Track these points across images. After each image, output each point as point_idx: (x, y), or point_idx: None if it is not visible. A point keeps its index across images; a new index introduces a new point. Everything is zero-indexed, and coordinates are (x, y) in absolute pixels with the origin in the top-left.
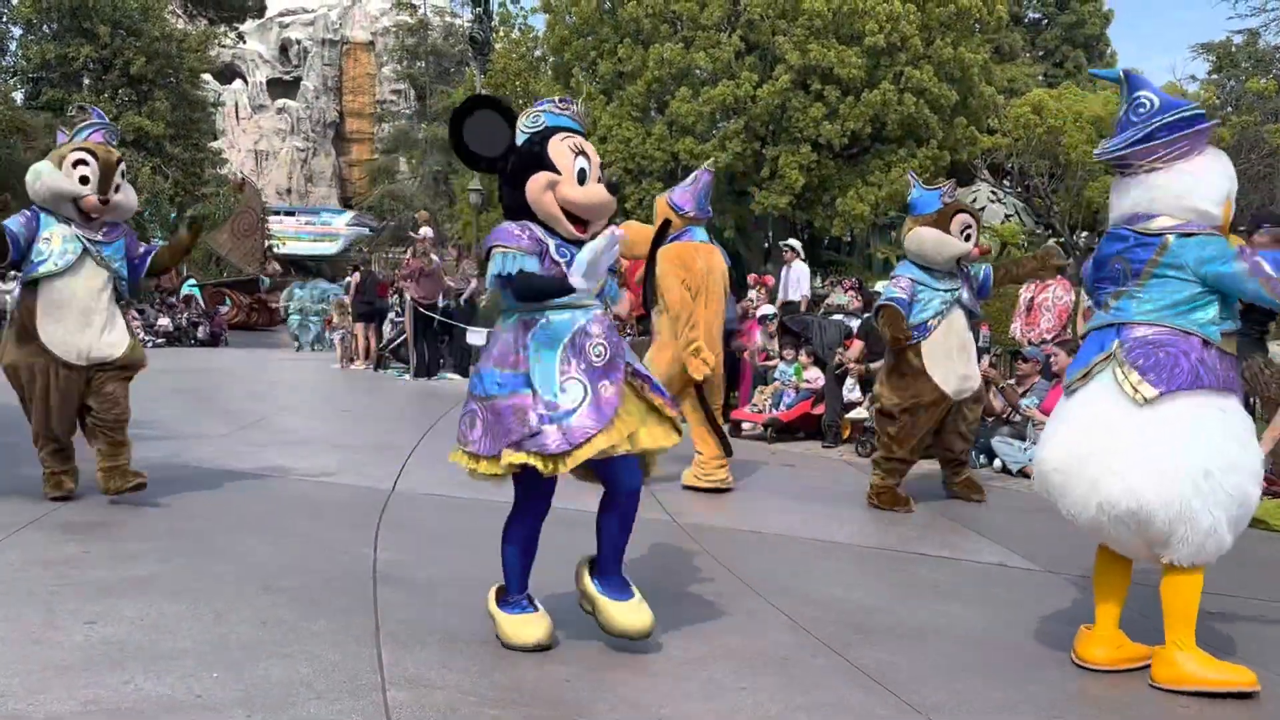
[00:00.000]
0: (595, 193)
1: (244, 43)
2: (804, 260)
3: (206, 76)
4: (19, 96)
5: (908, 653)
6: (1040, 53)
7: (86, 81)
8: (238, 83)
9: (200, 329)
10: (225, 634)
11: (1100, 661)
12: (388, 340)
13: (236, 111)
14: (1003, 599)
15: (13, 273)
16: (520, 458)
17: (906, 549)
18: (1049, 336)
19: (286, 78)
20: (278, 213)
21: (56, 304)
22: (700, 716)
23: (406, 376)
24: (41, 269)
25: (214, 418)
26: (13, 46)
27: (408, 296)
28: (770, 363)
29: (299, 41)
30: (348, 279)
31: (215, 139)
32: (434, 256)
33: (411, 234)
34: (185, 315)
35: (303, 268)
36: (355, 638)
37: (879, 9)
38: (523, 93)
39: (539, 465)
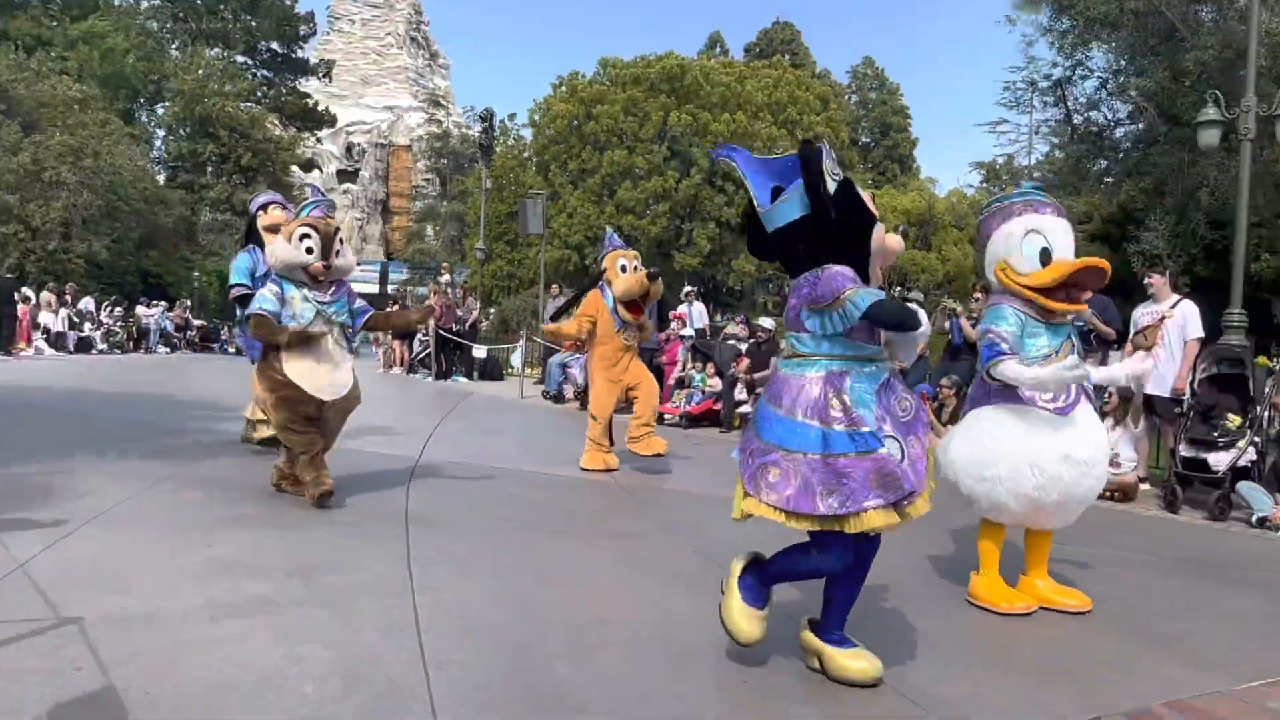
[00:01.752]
0: (897, 242)
1: (320, 144)
2: (700, 302)
3: (294, 167)
4: (161, 178)
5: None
6: (869, 165)
7: (209, 169)
8: (315, 172)
9: None
10: (303, 555)
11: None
12: (416, 353)
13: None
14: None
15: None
16: (890, 518)
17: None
18: None
19: (349, 169)
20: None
21: (298, 352)
22: (632, 614)
23: (429, 379)
24: (291, 325)
25: None
26: (158, 143)
27: (430, 322)
28: (685, 373)
29: (359, 144)
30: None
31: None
32: (449, 294)
33: (435, 279)
34: None
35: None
36: (394, 558)
37: (763, 132)
38: (515, 182)
39: (894, 518)
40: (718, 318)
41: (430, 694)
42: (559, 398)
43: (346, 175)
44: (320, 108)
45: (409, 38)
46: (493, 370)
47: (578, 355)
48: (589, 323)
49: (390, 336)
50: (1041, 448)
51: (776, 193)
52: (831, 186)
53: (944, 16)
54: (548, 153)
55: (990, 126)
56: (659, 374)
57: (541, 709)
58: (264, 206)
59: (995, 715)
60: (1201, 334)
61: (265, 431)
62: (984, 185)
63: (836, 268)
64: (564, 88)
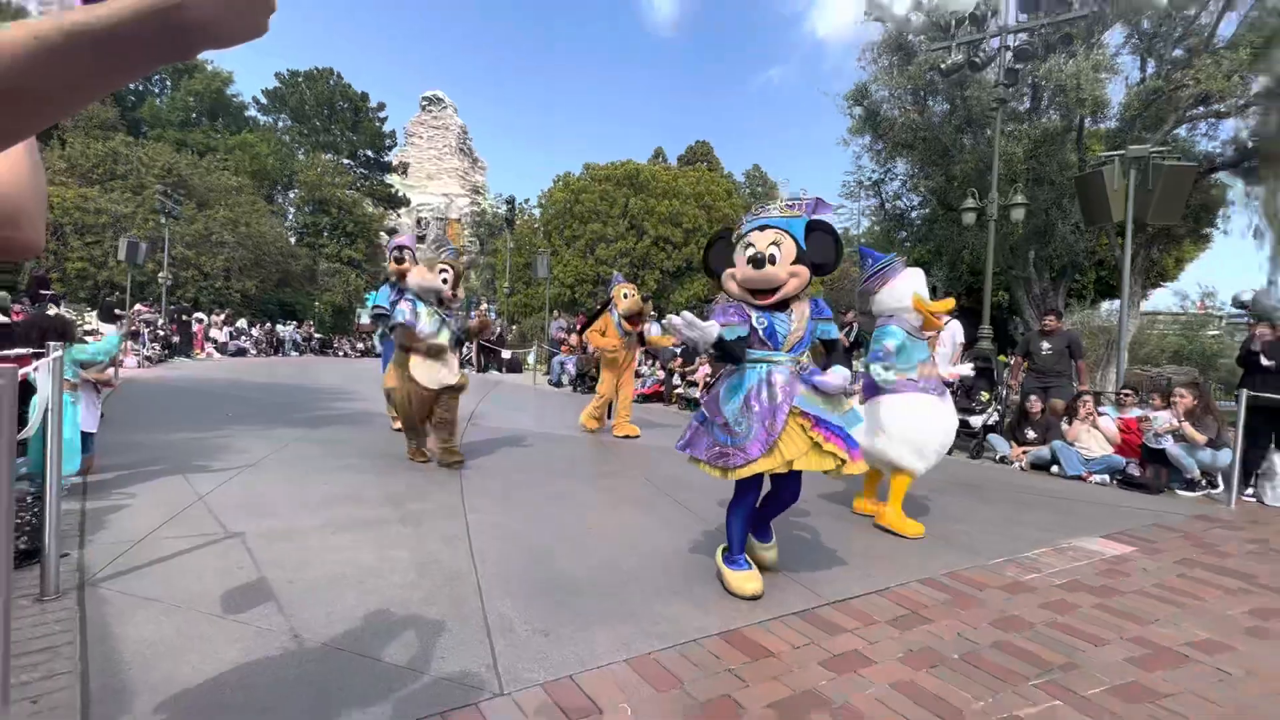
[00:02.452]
0: (749, 273)
1: (400, 217)
2: (656, 323)
3: (382, 233)
4: (292, 240)
5: (704, 495)
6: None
7: (325, 234)
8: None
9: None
10: (390, 490)
11: (862, 509)
12: (464, 354)
13: None
14: None
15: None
16: (704, 466)
17: None
18: None
19: (419, 235)
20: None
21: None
22: (609, 525)
23: (473, 372)
24: (424, 332)
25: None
26: (290, 216)
27: None
28: (639, 367)
29: (425, 218)
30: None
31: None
32: (488, 316)
33: (478, 307)
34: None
35: None
36: (452, 492)
37: (690, 213)
38: (529, 244)
39: (706, 469)
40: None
41: (478, 579)
42: (559, 384)
43: (418, 238)
44: (399, 194)
45: (458, 148)
46: (515, 366)
47: (572, 356)
48: (600, 334)
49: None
50: (934, 420)
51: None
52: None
53: (803, 140)
54: (550, 224)
55: (834, 210)
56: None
57: (551, 588)
58: (399, 248)
59: (837, 584)
60: (963, 340)
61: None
62: None
63: (724, 304)
64: (560, 182)
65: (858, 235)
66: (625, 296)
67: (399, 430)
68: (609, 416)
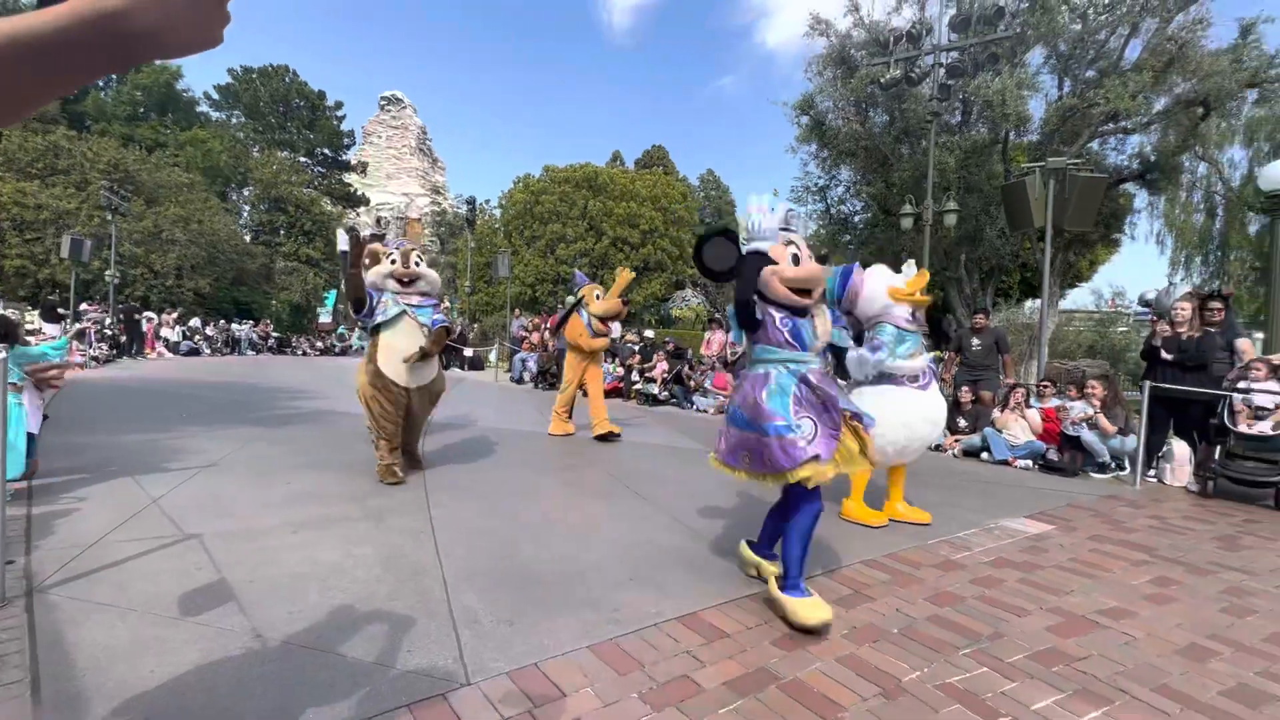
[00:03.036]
0: (803, 271)
1: (359, 216)
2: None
3: (340, 232)
4: (248, 238)
5: (663, 487)
6: None
7: (282, 232)
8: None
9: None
10: (354, 487)
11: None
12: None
13: None
14: (698, 463)
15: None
16: (800, 473)
17: (661, 441)
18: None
19: (379, 233)
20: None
21: (387, 348)
22: (569, 516)
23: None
24: (377, 318)
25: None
26: (245, 214)
27: None
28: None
29: (384, 217)
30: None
31: None
32: (449, 314)
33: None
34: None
35: None
36: (416, 487)
37: (647, 215)
38: (490, 244)
39: (807, 472)
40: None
41: (443, 573)
42: (520, 381)
43: (377, 238)
44: (358, 193)
45: (418, 148)
46: (477, 363)
47: (534, 354)
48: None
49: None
50: (912, 412)
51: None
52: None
53: (754, 146)
54: (511, 225)
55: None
56: None
57: (514, 578)
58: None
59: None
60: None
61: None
62: None
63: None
64: (520, 183)
65: (806, 238)
66: (598, 297)
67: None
68: (569, 416)
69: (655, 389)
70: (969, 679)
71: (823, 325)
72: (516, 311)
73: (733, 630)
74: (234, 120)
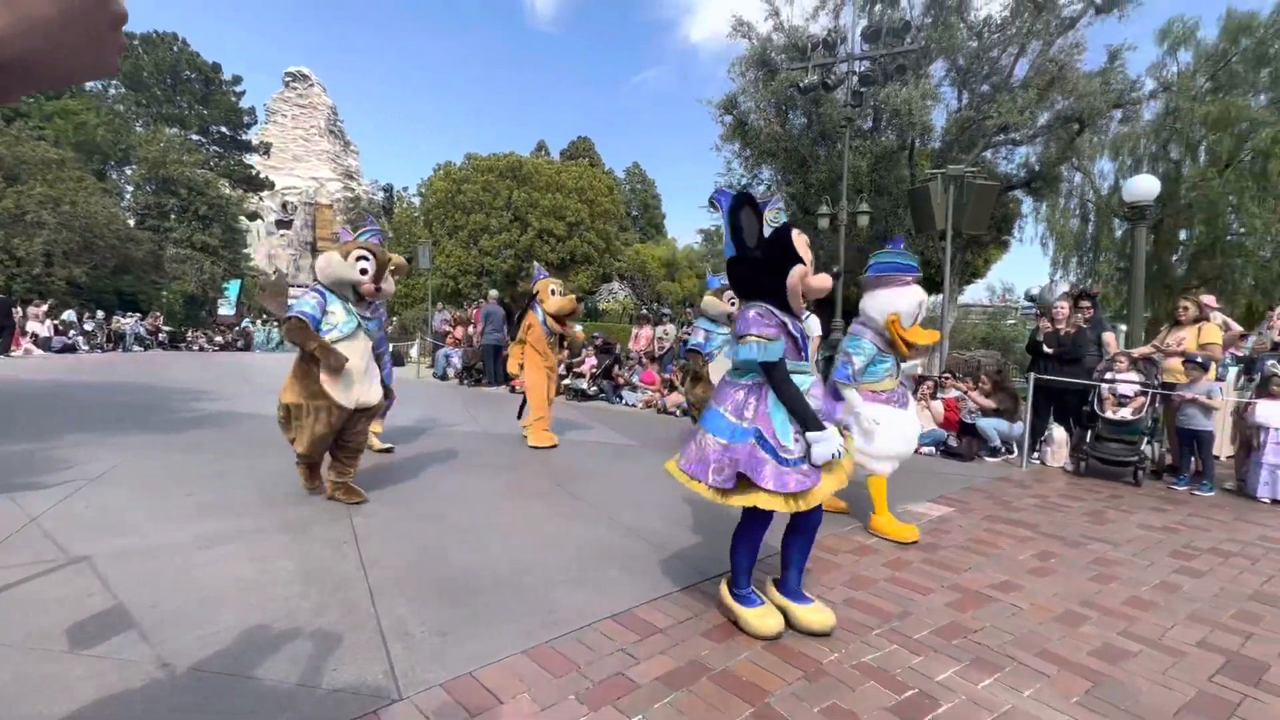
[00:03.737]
0: (826, 280)
1: (262, 201)
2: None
3: (242, 217)
4: (132, 222)
5: (596, 485)
6: (638, 228)
7: (173, 216)
8: (258, 221)
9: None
10: (268, 496)
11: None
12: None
13: (258, 235)
14: (630, 458)
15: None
16: (765, 498)
17: (592, 439)
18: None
19: (285, 219)
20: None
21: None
22: (507, 518)
23: None
24: (330, 335)
25: (229, 381)
26: (128, 196)
27: None
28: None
29: (292, 202)
30: None
31: (247, 248)
32: None
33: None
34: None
35: None
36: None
37: (573, 207)
38: (409, 233)
39: (770, 502)
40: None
41: (369, 585)
42: (444, 377)
43: (283, 224)
44: (261, 176)
45: (328, 130)
46: (397, 359)
47: (458, 349)
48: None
49: None
50: (903, 428)
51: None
52: (767, 232)
53: (679, 141)
54: (431, 214)
55: (708, 208)
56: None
57: (446, 586)
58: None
59: (717, 560)
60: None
61: (377, 444)
62: (705, 244)
63: (752, 311)
64: (441, 171)
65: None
66: (554, 293)
67: (382, 453)
68: (519, 417)
69: (584, 384)
70: (881, 657)
71: (812, 326)
72: (439, 305)
73: (665, 625)
74: (112, 91)
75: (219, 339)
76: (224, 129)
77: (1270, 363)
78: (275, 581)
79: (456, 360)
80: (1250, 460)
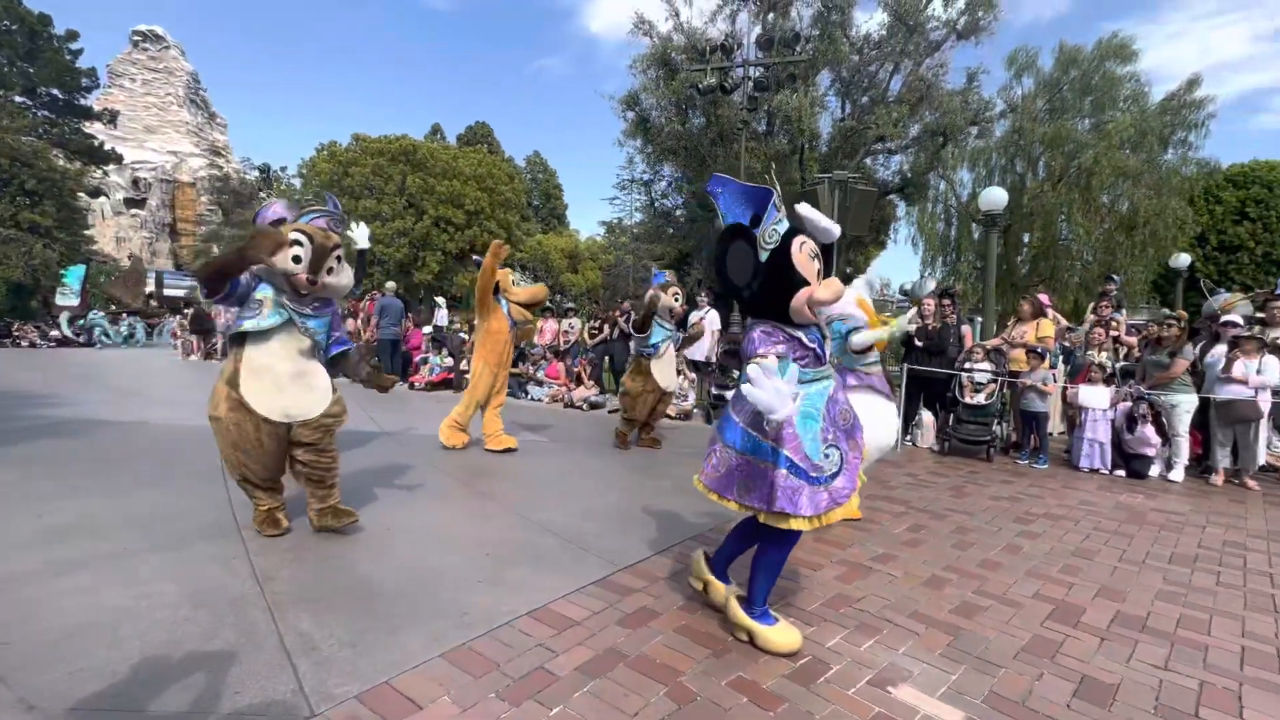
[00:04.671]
0: (834, 287)
1: (108, 176)
2: (443, 308)
3: (82, 195)
4: None
5: (501, 482)
6: (540, 218)
7: None
8: (102, 198)
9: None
10: (137, 513)
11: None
12: (213, 343)
13: (103, 215)
14: (538, 455)
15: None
16: (799, 523)
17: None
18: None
19: (137, 198)
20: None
21: (256, 367)
22: (410, 520)
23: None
24: (245, 324)
25: (72, 381)
26: None
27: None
28: (426, 354)
29: (145, 178)
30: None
31: (88, 229)
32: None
33: None
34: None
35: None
36: (219, 505)
37: (472, 195)
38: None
39: (806, 526)
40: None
41: (267, 601)
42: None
43: (135, 203)
44: (106, 147)
45: (188, 99)
46: None
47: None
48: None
49: (189, 331)
50: (885, 418)
51: (755, 221)
52: (767, 249)
53: (580, 130)
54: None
55: (610, 201)
56: (406, 358)
57: (352, 595)
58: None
59: (628, 551)
60: (720, 327)
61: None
62: (608, 236)
63: (758, 330)
64: (325, 151)
65: (629, 227)
66: (515, 283)
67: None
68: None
69: None
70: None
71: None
72: None
73: (581, 617)
74: None
75: (54, 333)
76: (56, 92)
77: (1089, 353)
78: (156, 606)
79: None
80: (1074, 436)
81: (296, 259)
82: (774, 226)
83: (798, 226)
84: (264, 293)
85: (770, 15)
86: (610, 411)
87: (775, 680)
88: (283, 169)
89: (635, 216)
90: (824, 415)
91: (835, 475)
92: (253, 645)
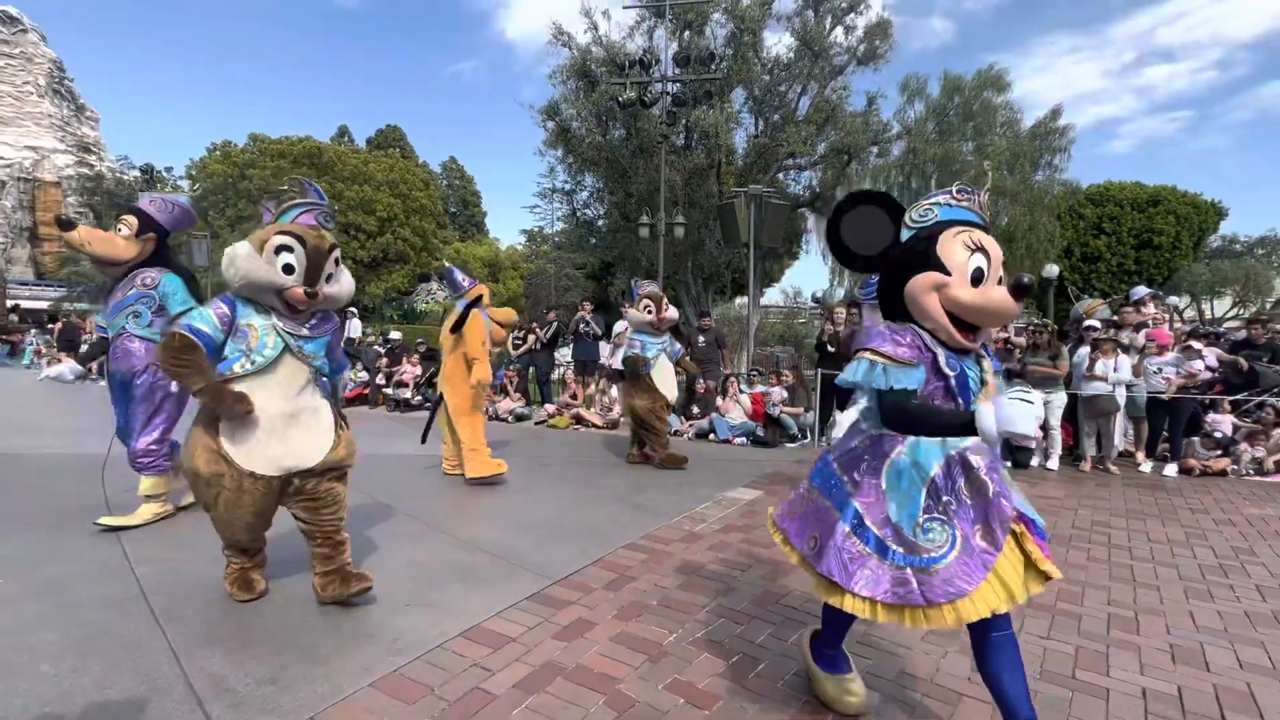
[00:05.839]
0: (993, 296)
1: None
2: (356, 320)
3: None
4: None
5: (430, 500)
6: (456, 226)
7: None
8: None
9: None
10: (9, 559)
11: None
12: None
13: None
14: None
15: None
16: (853, 605)
17: (420, 451)
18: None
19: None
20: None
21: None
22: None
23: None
24: (235, 367)
25: None
26: None
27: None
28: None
29: None
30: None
31: None
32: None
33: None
34: None
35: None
36: (107, 543)
37: (384, 200)
38: None
39: (863, 611)
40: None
41: (170, 643)
42: None
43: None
44: None
45: (51, 89)
46: None
47: None
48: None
49: (56, 348)
50: None
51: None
52: (913, 228)
53: (499, 137)
54: (208, 202)
55: (530, 209)
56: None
57: (269, 629)
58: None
59: (560, 563)
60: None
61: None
62: (529, 245)
63: (879, 325)
64: (218, 152)
65: (552, 234)
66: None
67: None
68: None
69: (407, 394)
70: (711, 630)
71: (989, 374)
72: None
73: (516, 634)
74: None
75: None
76: None
77: None
78: (38, 659)
79: None
80: None
81: (288, 268)
82: (932, 203)
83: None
84: (249, 317)
85: (686, 33)
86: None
87: (710, 679)
88: (168, 169)
89: (557, 225)
90: (931, 480)
91: (934, 560)
92: (156, 692)
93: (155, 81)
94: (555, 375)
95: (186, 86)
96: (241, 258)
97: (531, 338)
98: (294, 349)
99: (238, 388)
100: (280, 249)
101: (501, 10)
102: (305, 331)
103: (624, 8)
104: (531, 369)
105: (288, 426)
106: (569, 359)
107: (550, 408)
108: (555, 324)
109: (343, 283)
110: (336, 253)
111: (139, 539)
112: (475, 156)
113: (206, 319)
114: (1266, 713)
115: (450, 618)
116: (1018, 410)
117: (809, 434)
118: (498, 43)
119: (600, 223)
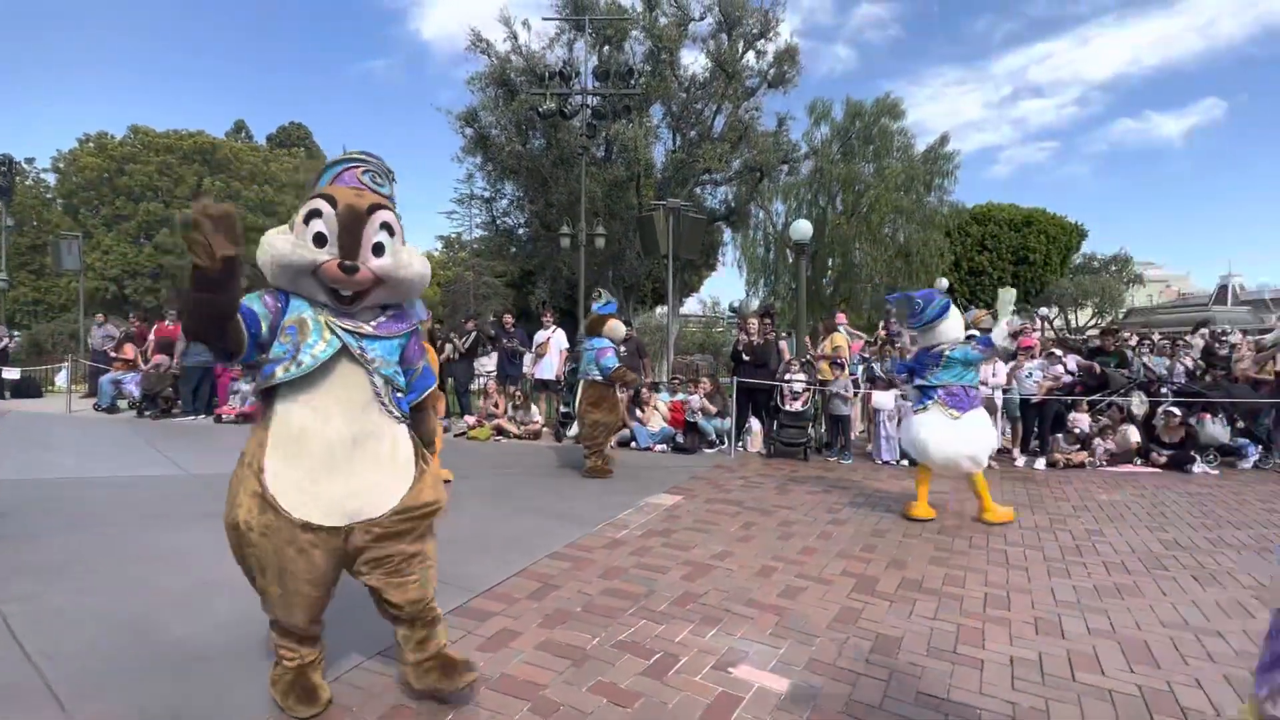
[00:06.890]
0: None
1: None
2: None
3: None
4: None
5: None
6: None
7: None
8: None
9: None
10: None
11: (922, 514)
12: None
13: None
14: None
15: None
16: None
17: None
18: None
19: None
20: None
21: (293, 435)
22: (230, 574)
23: None
24: (278, 370)
25: None
26: None
27: None
28: (237, 383)
29: None
30: None
31: None
32: None
33: None
34: None
35: None
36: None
37: (289, 202)
38: (39, 219)
39: None
40: None
41: (48, 684)
42: (111, 409)
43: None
44: None
45: None
46: (29, 389)
47: (132, 374)
48: None
49: None
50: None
51: None
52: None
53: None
54: (78, 198)
55: (447, 215)
56: (214, 388)
57: (167, 664)
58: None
59: (484, 575)
60: (567, 346)
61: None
62: (446, 251)
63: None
64: (91, 144)
65: (469, 242)
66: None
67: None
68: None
69: None
70: (633, 632)
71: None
72: (101, 317)
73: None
74: None
75: None
76: None
77: (876, 364)
78: None
79: (133, 387)
80: (872, 434)
81: (319, 237)
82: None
83: None
84: (298, 312)
85: (606, 48)
86: (579, 442)
87: (632, 679)
88: (29, 160)
89: (475, 232)
90: None
91: None
92: None
93: (17, 61)
94: (474, 385)
95: (56, 74)
96: (273, 245)
97: (449, 347)
98: (354, 351)
99: (280, 402)
100: (310, 215)
101: (414, 9)
102: (369, 329)
103: (543, 19)
104: (450, 380)
105: (349, 458)
106: (489, 369)
107: (470, 419)
108: (474, 333)
109: (401, 259)
110: (386, 216)
111: (11, 570)
112: (388, 159)
113: (254, 298)
114: (1108, 670)
115: (368, 637)
116: None
117: (725, 439)
118: (412, 42)
119: (521, 231)
